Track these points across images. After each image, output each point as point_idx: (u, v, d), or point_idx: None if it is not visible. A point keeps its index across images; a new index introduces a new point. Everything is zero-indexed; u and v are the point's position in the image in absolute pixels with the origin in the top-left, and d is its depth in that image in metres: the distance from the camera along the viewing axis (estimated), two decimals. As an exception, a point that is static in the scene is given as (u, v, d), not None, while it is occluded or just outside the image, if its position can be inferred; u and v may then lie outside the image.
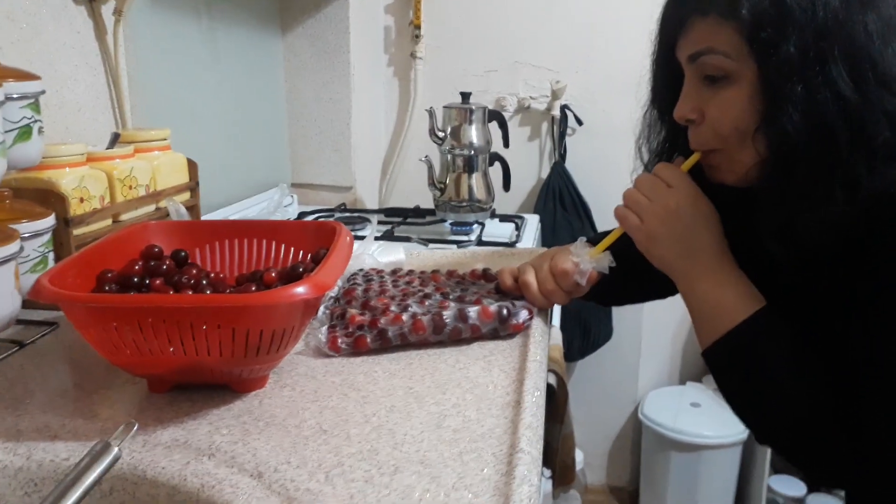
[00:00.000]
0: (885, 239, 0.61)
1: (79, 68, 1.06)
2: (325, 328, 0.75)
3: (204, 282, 0.70)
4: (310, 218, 1.64)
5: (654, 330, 2.17)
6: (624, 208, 0.76)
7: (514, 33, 1.99)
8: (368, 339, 0.73)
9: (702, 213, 0.72)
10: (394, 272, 0.94)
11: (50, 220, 0.81)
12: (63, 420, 0.60)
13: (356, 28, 1.79)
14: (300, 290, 0.56)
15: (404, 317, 0.74)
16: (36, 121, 0.79)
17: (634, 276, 0.82)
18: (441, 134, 1.59)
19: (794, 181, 0.63)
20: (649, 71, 0.78)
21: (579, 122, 2.00)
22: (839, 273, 0.66)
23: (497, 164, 1.69)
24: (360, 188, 1.90)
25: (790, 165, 0.63)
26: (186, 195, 1.12)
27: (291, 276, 0.70)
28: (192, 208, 1.13)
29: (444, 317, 0.74)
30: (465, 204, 1.61)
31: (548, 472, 1.48)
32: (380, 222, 1.61)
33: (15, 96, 0.77)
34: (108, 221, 0.95)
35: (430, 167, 1.60)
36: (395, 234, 1.52)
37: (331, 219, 1.63)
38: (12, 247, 0.70)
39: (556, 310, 1.70)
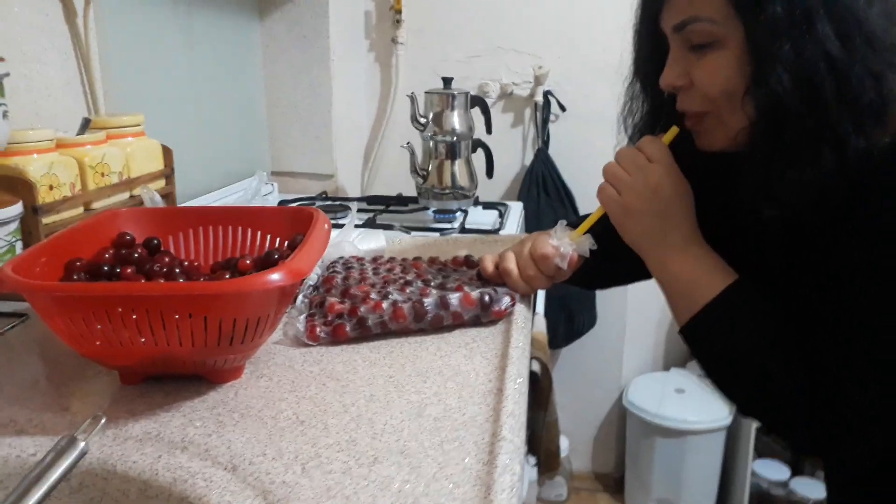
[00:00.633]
0: (871, 204, 0.60)
1: (47, 51, 1.03)
2: (303, 317, 0.73)
3: (177, 270, 0.68)
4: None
5: (639, 316, 2.17)
6: (604, 183, 0.75)
7: (497, 18, 1.97)
8: (348, 328, 0.71)
9: (679, 190, 0.72)
10: (374, 259, 0.92)
11: (17, 209, 0.78)
12: (31, 414, 0.58)
13: (335, 12, 1.76)
14: (275, 276, 0.55)
15: (384, 304, 0.73)
16: (0, 104, 0.77)
17: (617, 257, 0.81)
18: (423, 120, 1.57)
19: (782, 141, 0.63)
20: (631, 43, 0.77)
21: (562, 108, 1.99)
22: (821, 241, 0.66)
23: (480, 151, 1.67)
24: (341, 176, 1.87)
25: (778, 126, 0.63)
26: (161, 183, 1.10)
27: (266, 262, 0.68)
28: (168, 196, 1.11)
29: (426, 304, 0.73)
30: (447, 191, 1.59)
31: (533, 460, 1.47)
32: (361, 210, 1.59)
33: (-24, 79, 0.74)
34: (80, 210, 0.92)
35: (413, 154, 1.57)
36: (378, 222, 1.50)
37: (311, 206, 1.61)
38: (-24, 236, 0.68)
39: (540, 297, 1.69)
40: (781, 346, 0.65)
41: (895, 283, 0.59)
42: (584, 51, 1.95)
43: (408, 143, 1.57)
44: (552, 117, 2.01)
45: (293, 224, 0.73)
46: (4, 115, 0.78)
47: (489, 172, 1.71)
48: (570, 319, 2.02)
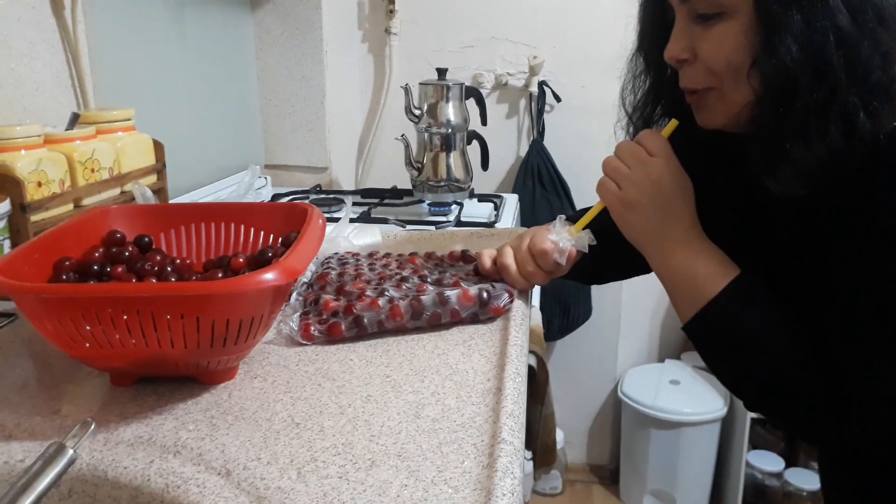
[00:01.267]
0: (877, 186, 0.60)
1: (35, 45, 1.01)
2: (297, 315, 0.72)
3: (169, 269, 0.67)
4: (284, 200, 1.60)
5: (633, 308, 2.16)
6: (604, 177, 0.74)
7: (491, 8, 1.95)
8: (343, 327, 0.70)
9: (680, 184, 0.71)
10: (370, 255, 0.91)
11: (5, 206, 0.77)
12: (19, 418, 0.56)
13: (328, 3, 1.73)
14: (269, 276, 0.54)
15: (381, 302, 0.71)
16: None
17: (615, 252, 0.81)
18: (417, 111, 1.55)
19: (790, 116, 0.62)
20: (636, 18, 0.76)
21: (557, 99, 1.98)
22: (827, 223, 0.65)
23: (475, 143, 1.66)
24: (335, 169, 1.85)
25: (787, 99, 0.62)
26: (153, 178, 1.08)
27: (260, 261, 0.67)
28: (160, 191, 1.09)
29: (423, 301, 0.72)
30: (443, 184, 1.58)
31: (528, 454, 1.47)
32: (356, 204, 1.58)
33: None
34: (69, 207, 0.91)
35: (407, 146, 1.56)
36: (372, 215, 1.48)
37: (305, 201, 1.59)
38: (-38, 234, 0.66)
39: (536, 290, 1.69)
40: (787, 341, 0.65)
41: None
42: (579, 41, 1.94)
43: (402, 135, 1.56)
44: (547, 108, 2.00)
45: (287, 221, 0.72)
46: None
47: (484, 164, 1.69)
48: (565, 312, 2.02)
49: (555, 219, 0.80)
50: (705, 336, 0.70)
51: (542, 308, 1.84)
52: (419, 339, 0.71)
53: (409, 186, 1.63)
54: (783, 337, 0.65)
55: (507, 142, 2.04)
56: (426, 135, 1.57)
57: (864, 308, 0.61)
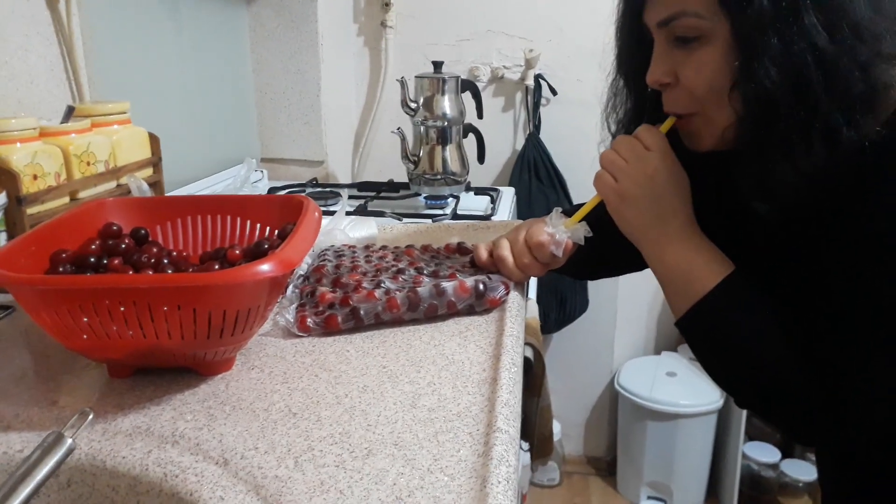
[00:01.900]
0: (869, 194, 0.60)
1: (30, 38, 1.01)
2: (293, 307, 0.72)
3: (165, 261, 0.67)
4: (280, 194, 1.60)
5: (630, 300, 2.17)
6: (601, 170, 0.75)
7: (487, 1, 1.95)
8: (339, 319, 0.70)
9: (676, 179, 0.71)
10: (366, 247, 0.91)
11: (0, 199, 0.77)
12: (17, 409, 0.57)
13: (324, -4, 1.73)
14: (265, 267, 0.54)
15: (377, 293, 0.72)
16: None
17: (609, 247, 0.81)
18: (413, 105, 1.55)
19: (773, 136, 0.62)
20: (613, 38, 0.76)
21: (553, 92, 1.98)
22: (815, 232, 0.66)
23: (471, 136, 1.66)
24: (331, 162, 1.85)
25: (769, 120, 0.62)
26: (149, 171, 1.08)
27: (256, 252, 0.67)
28: (156, 185, 1.09)
29: (420, 293, 0.72)
30: (439, 177, 1.58)
31: (525, 445, 1.47)
32: (352, 197, 1.58)
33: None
34: (65, 200, 0.90)
35: (403, 139, 1.56)
36: (369, 208, 1.48)
37: (302, 194, 1.59)
38: (-42, 227, 0.66)
39: (532, 282, 1.69)
40: (779, 339, 0.64)
41: (891, 272, 0.59)
42: (576, 34, 1.93)
43: (398, 128, 1.56)
44: (543, 101, 2.00)
45: (283, 212, 0.72)
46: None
47: (480, 158, 1.69)
48: (561, 304, 2.02)
49: (551, 211, 0.81)
50: (697, 332, 0.70)
51: (538, 301, 1.84)
52: (415, 331, 0.71)
53: (406, 180, 1.63)
54: (776, 336, 0.65)
55: (503, 135, 2.04)
56: (422, 128, 1.57)
57: (859, 311, 0.61)
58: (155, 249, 0.69)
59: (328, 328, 0.70)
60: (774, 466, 2.00)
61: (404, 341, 0.69)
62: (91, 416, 0.47)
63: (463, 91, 1.60)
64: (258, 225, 0.75)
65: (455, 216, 1.46)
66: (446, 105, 1.55)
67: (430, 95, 1.55)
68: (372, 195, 1.61)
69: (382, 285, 0.74)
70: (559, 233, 0.78)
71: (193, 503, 0.46)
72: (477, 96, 1.66)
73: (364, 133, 2.06)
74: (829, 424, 0.63)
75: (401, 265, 0.82)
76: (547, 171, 1.97)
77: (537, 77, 1.96)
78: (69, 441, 0.44)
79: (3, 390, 0.60)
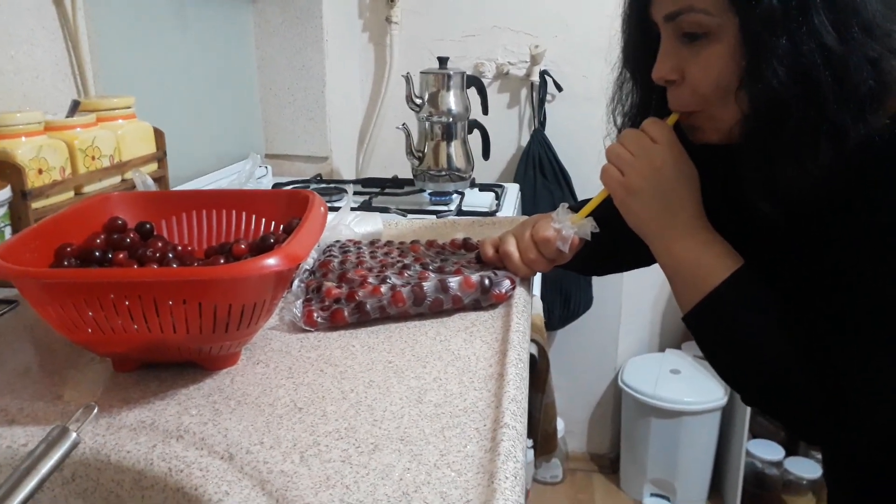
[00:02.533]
0: (875, 192, 0.60)
1: (35, 32, 1.00)
2: (300, 302, 0.72)
3: (170, 255, 0.67)
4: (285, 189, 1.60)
5: (634, 298, 2.16)
6: (607, 163, 0.74)
7: (492, -3, 1.95)
8: (346, 313, 0.70)
9: (684, 172, 0.71)
10: (371, 243, 0.91)
11: (6, 193, 0.77)
12: (22, 403, 0.57)
13: (329, -8, 1.73)
14: (271, 261, 0.53)
15: (383, 289, 0.71)
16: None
17: (617, 242, 0.80)
18: (418, 101, 1.55)
19: (780, 136, 0.62)
20: (619, 32, 0.76)
21: (559, 88, 1.97)
22: (821, 229, 0.65)
23: (476, 133, 1.65)
24: (336, 158, 1.85)
25: (775, 120, 0.61)
26: (153, 166, 1.08)
27: (262, 247, 0.67)
28: (160, 180, 1.09)
29: (425, 288, 0.72)
30: (444, 173, 1.57)
31: (529, 442, 1.47)
32: (357, 193, 1.57)
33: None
34: (70, 194, 0.90)
35: (408, 135, 1.56)
36: (373, 204, 1.48)
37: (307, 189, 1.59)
38: (-37, 221, 0.66)
39: (537, 279, 1.68)
40: (787, 336, 0.64)
41: (894, 271, 0.58)
42: (581, 30, 1.93)
43: (403, 124, 1.55)
44: (549, 97, 1.99)
45: (289, 207, 0.72)
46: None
47: (485, 154, 1.69)
48: (566, 301, 2.01)
49: (558, 207, 0.80)
50: (704, 327, 0.69)
51: (543, 297, 1.84)
52: (421, 326, 0.71)
53: (410, 176, 1.62)
54: (783, 334, 0.64)
55: (508, 131, 2.03)
56: (427, 124, 1.57)
57: (861, 310, 0.60)
58: (160, 244, 0.69)
59: (334, 322, 0.70)
60: (778, 464, 1.99)
61: (410, 337, 0.68)
62: (96, 411, 0.46)
63: (468, 87, 1.60)
64: (263, 220, 0.75)
65: (460, 212, 1.46)
66: (451, 101, 1.55)
67: (436, 91, 1.55)
68: (376, 191, 1.61)
69: (388, 281, 0.74)
70: (565, 228, 0.77)
71: (198, 498, 0.46)
72: (482, 92, 1.66)
73: (368, 129, 2.05)
74: (831, 424, 0.63)
75: (406, 261, 0.82)
76: (552, 167, 1.97)
77: (543, 73, 1.95)
78: (74, 435, 0.44)
79: (7, 384, 0.60)
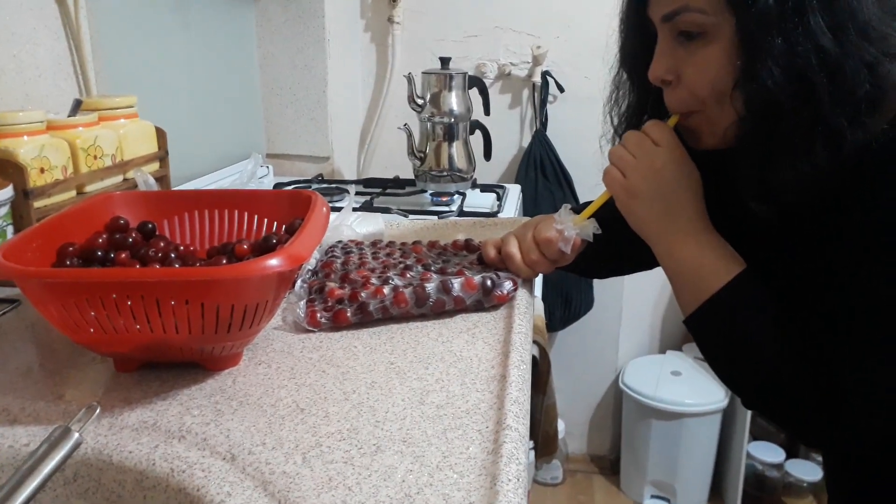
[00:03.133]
0: (870, 193, 0.59)
1: (37, 31, 1.00)
2: (303, 302, 0.72)
3: (172, 255, 0.67)
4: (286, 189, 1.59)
5: (635, 299, 2.16)
6: (609, 165, 0.74)
7: (494, -3, 1.94)
8: (349, 313, 0.70)
9: (686, 173, 0.71)
10: (373, 244, 0.91)
11: (8, 192, 0.77)
12: (24, 403, 0.57)
13: (331, -8, 1.73)
14: (273, 262, 0.53)
15: (385, 289, 0.71)
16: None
17: (619, 244, 0.80)
18: (420, 101, 1.55)
19: (775, 138, 0.62)
20: (617, 32, 0.76)
21: (561, 89, 1.97)
22: (817, 231, 0.65)
23: (477, 133, 1.65)
24: (337, 158, 1.85)
25: (770, 122, 0.61)
26: (155, 165, 1.08)
27: (264, 247, 0.66)
28: (162, 179, 1.09)
29: (427, 289, 0.71)
30: (445, 174, 1.57)
31: (530, 443, 1.47)
32: (358, 193, 1.57)
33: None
34: (72, 193, 0.90)
35: (410, 136, 1.56)
36: (375, 205, 1.48)
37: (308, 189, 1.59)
38: (-34, 220, 0.66)
39: (538, 281, 1.68)
40: (788, 340, 0.64)
41: (889, 271, 0.58)
42: (583, 31, 1.92)
43: (405, 124, 1.55)
44: (550, 98, 1.99)
45: (291, 208, 0.72)
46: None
47: (487, 154, 1.69)
48: (567, 302, 2.01)
49: (559, 208, 0.80)
50: (705, 330, 0.69)
51: (544, 299, 1.83)
52: (423, 327, 0.71)
53: (412, 176, 1.62)
54: (784, 337, 0.64)
55: (509, 132, 2.03)
56: (429, 124, 1.57)
57: (856, 310, 0.60)
58: (162, 244, 0.69)
59: (337, 322, 0.70)
60: (779, 466, 1.99)
61: (412, 338, 0.68)
62: (98, 411, 0.46)
63: (470, 87, 1.59)
64: (266, 220, 0.75)
65: (461, 213, 1.45)
66: (453, 101, 1.55)
67: (437, 92, 1.55)
68: (378, 191, 1.61)
69: (391, 282, 0.74)
70: (568, 229, 0.77)
71: (201, 499, 0.46)
72: (484, 93, 1.66)
73: (370, 129, 2.05)
74: (824, 425, 0.62)
75: (408, 262, 0.82)
76: (553, 168, 1.97)
77: (544, 74, 1.95)
78: (76, 435, 0.44)
79: (9, 384, 0.60)
